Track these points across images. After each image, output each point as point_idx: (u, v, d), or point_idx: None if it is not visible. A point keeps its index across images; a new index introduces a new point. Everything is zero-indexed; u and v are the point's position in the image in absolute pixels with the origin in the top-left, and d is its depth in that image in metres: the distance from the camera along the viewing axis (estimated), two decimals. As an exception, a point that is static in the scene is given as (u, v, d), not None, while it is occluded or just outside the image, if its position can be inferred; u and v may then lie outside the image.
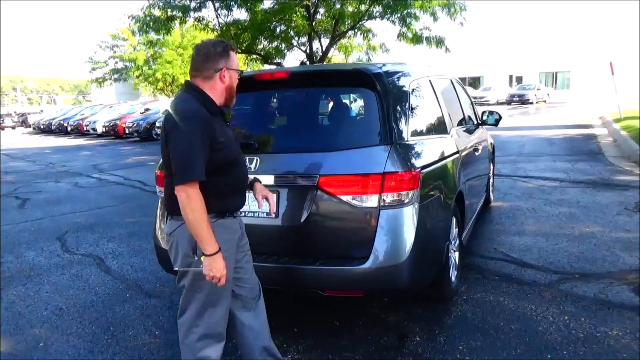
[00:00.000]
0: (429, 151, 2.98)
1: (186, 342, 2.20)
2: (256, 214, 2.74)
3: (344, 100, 3.36)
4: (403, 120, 2.76)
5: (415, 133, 2.89)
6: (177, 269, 2.12)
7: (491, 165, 5.86)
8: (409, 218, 2.57)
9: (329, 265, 2.58)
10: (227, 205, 2.12)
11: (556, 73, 41.40)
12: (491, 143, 5.92)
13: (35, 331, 3.22)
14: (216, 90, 2.07)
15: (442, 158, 3.15)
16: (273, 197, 2.48)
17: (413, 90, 3.07)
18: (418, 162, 2.71)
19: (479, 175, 4.65)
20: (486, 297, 3.35)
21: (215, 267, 1.96)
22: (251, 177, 2.40)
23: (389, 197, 2.53)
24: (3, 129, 38.55)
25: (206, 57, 2.05)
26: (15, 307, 3.61)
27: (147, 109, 22.13)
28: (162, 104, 22.63)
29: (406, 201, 2.55)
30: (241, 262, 2.29)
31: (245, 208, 2.74)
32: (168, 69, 29.70)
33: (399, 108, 2.78)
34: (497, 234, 4.78)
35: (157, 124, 17.24)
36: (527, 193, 6.54)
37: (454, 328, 2.96)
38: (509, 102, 31.97)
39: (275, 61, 14.99)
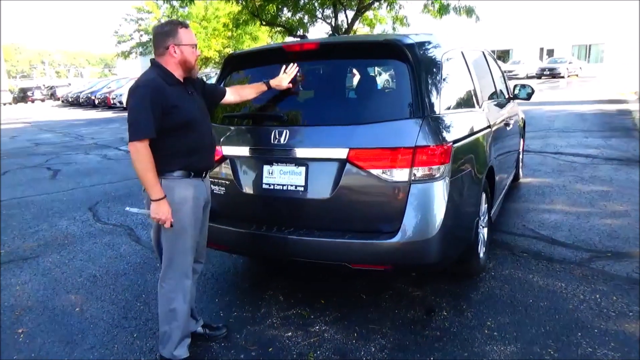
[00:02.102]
0: (461, 125, 2.92)
1: (159, 297, 2.45)
2: (284, 187, 2.75)
3: (374, 72, 3.29)
4: (435, 93, 2.69)
5: (447, 106, 2.82)
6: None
7: (521, 140, 5.72)
8: (440, 193, 2.54)
9: (357, 239, 2.57)
10: (189, 164, 2.34)
11: (589, 46, 39.83)
12: (522, 118, 5.77)
13: (72, 297, 3.33)
14: (171, 64, 2.31)
15: (474, 132, 3.08)
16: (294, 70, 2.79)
17: (445, 62, 2.98)
18: (450, 136, 2.65)
19: (509, 151, 4.55)
20: (514, 274, 3.31)
21: (159, 211, 2.23)
22: (260, 84, 2.82)
23: (419, 172, 2.50)
24: (33, 101, 39.42)
25: (156, 37, 2.33)
26: (51, 274, 3.74)
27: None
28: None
29: (437, 176, 2.52)
30: (202, 230, 2.54)
31: (272, 181, 2.78)
32: (192, 42, 29.59)
33: (431, 80, 2.71)
34: (526, 210, 4.70)
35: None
36: (558, 169, 6.39)
37: (481, 304, 2.94)
38: (539, 76, 30.98)
39: (299, 34, 14.80)
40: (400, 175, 2.51)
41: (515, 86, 5.20)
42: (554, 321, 2.71)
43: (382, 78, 3.37)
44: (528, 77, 29.90)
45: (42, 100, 39.93)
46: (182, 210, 2.31)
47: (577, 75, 31.23)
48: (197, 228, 2.42)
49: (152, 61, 2.37)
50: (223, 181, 2.97)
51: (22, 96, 40.46)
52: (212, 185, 3.01)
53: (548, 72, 30.88)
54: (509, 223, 4.34)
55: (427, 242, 2.52)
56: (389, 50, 2.74)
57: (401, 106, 2.64)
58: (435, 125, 2.59)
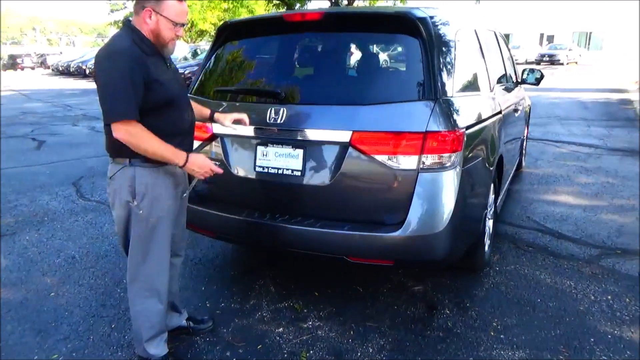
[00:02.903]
0: (473, 109, 2.68)
1: (130, 296, 2.18)
2: (279, 171, 2.51)
3: (381, 48, 3.03)
4: (448, 73, 2.45)
5: (460, 88, 2.57)
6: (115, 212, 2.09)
7: (526, 127, 5.51)
8: (450, 183, 2.32)
9: (358, 231, 2.35)
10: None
11: (590, 33, 39.47)
12: (529, 104, 5.54)
13: (47, 280, 3.11)
14: (142, 30, 1.94)
15: (486, 118, 2.85)
16: (245, 117, 2.37)
17: (459, 40, 2.73)
18: (462, 122, 2.42)
19: (515, 138, 4.33)
20: (520, 270, 3.13)
21: (198, 167, 2.00)
22: (206, 110, 2.40)
23: (429, 159, 2.27)
24: (22, 69, 38.46)
25: None
26: (27, 254, 3.51)
27: (165, 55, 21.65)
28: (180, 50, 22.13)
29: (448, 165, 2.29)
30: (180, 220, 2.26)
31: (267, 164, 2.55)
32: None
33: (443, 59, 2.46)
34: (530, 201, 4.51)
35: (175, 70, 16.89)
36: (560, 158, 6.20)
37: (486, 302, 2.76)
38: (538, 62, 30.61)
39: (296, 8, 14.35)
40: (407, 162, 2.28)
41: (523, 70, 4.96)
42: (565, 324, 2.53)
43: (390, 54, 3.09)
44: (527, 63, 29.51)
45: (32, 68, 38.94)
46: (159, 202, 2.02)
47: (576, 63, 30.94)
48: (174, 220, 2.15)
49: (127, 22, 1.98)
50: (212, 161, 2.72)
51: (12, 63, 39.36)
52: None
53: (547, 59, 30.53)
54: (512, 214, 4.15)
55: (434, 237, 2.31)
56: (399, 23, 2.48)
57: (411, 86, 2.40)
58: (448, 108, 2.35)
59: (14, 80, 26.67)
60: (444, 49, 2.49)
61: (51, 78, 28.27)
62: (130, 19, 1.99)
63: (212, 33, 27.97)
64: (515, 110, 4.08)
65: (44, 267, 3.30)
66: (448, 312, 2.66)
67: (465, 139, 2.39)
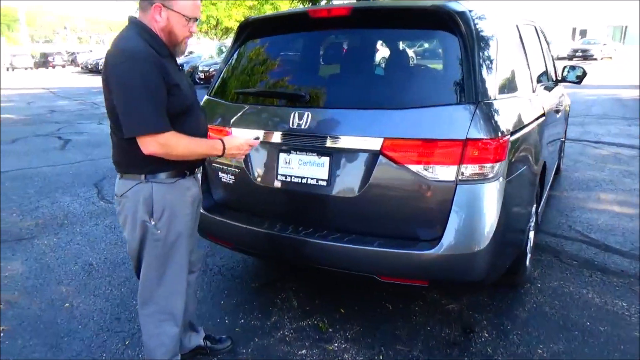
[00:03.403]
0: (516, 113, 2.43)
1: (142, 320, 1.98)
2: (304, 180, 2.32)
3: (416, 46, 2.80)
4: (490, 73, 2.21)
5: (502, 90, 2.33)
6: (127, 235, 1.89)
7: (565, 128, 5.18)
8: (492, 196, 2.08)
9: (389, 247, 2.14)
10: (186, 162, 1.84)
11: (626, 27, 38.01)
12: (568, 104, 5.20)
13: (62, 289, 2.99)
14: (153, 28, 1.73)
15: (530, 122, 2.60)
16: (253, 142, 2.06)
17: (501, 36, 2.48)
18: (505, 127, 2.18)
19: (555, 140, 4.04)
20: (565, 287, 2.86)
21: (237, 149, 1.88)
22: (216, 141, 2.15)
23: (469, 170, 2.04)
24: (54, 67, 39.34)
25: None
26: (45, 259, 3.41)
27: (190, 52, 21.76)
28: (205, 48, 22.19)
29: (490, 176, 2.06)
30: (194, 233, 2.06)
31: (290, 172, 2.36)
32: (212, 11, 28.95)
33: (485, 58, 2.22)
34: (571, 209, 4.20)
35: (200, 68, 16.97)
36: (601, 161, 5.83)
37: (528, 324, 2.51)
38: (570, 58, 29.61)
39: (322, 4, 14.14)
40: (444, 173, 2.05)
41: (564, 67, 4.64)
42: (619, 352, 2.27)
43: (425, 53, 2.86)
44: (559, 58, 28.55)
45: (63, 66, 39.82)
46: (177, 220, 1.84)
47: (610, 58, 29.83)
48: (192, 236, 1.98)
49: (133, 20, 1.75)
50: (232, 169, 2.55)
51: (43, 61, 40.36)
52: (220, 173, 2.61)
53: (580, 54, 29.52)
54: (552, 223, 3.86)
55: (475, 256, 2.08)
56: (435, 18, 2.24)
57: (448, 88, 2.17)
58: (490, 113, 2.11)
59: (45, 78, 27.27)
60: (485, 46, 2.25)
61: (80, 76, 28.79)
62: (135, 15, 1.78)
63: (238, 30, 28.00)
64: (557, 112, 3.79)
65: (61, 274, 3.19)
66: (487, 335, 2.43)
67: (509, 146, 2.15)
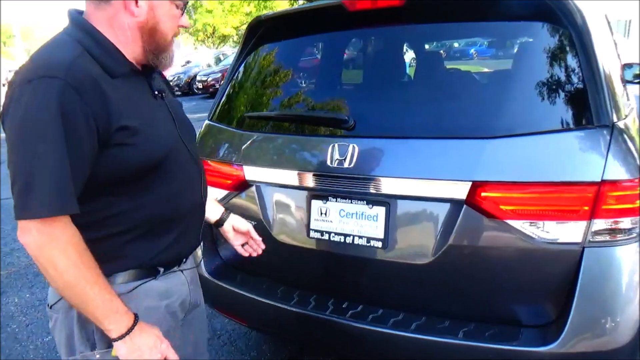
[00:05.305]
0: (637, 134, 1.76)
1: None
2: (348, 238, 1.64)
3: (506, 46, 2.11)
4: (616, 83, 1.55)
5: (625, 104, 1.67)
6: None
7: None
8: (638, 265, 1.40)
9: (480, 340, 1.46)
10: (157, 254, 1.11)
11: (629, 21, 37.41)
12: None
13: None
14: (119, 29, 1.03)
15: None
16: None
17: (608, 30, 1.82)
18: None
19: None
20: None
21: (143, 352, 1.00)
22: (219, 208, 1.47)
23: (602, 226, 1.36)
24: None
25: None
26: (12, 326, 2.73)
27: (187, 62, 21.28)
28: (203, 57, 21.67)
29: (634, 235, 1.38)
30: (197, 349, 1.32)
31: (327, 227, 1.68)
32: (208, 18, 28.52)
33: (607, 61, 1.55)
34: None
35: (198, 78, 16.44)
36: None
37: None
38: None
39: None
40: (567, 232, 1.38)
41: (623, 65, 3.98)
42: None
43: (526, 57, 2.07)
44: None
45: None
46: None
47: None
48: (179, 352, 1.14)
49: (75, 17, 1.05)
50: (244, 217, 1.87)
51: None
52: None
53: None
54: None
55: (615, 354, 1.40)
56: (534, 8, 1.57)
57: (563, 106, 1.49)
58: (626, 141, 1.44)
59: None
60: (606, 46, 1.58)
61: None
62: (77, 11, 1.07)
63: (235, 37, 27.50)
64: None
65: (30, 349, 2.51)
66: None
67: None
